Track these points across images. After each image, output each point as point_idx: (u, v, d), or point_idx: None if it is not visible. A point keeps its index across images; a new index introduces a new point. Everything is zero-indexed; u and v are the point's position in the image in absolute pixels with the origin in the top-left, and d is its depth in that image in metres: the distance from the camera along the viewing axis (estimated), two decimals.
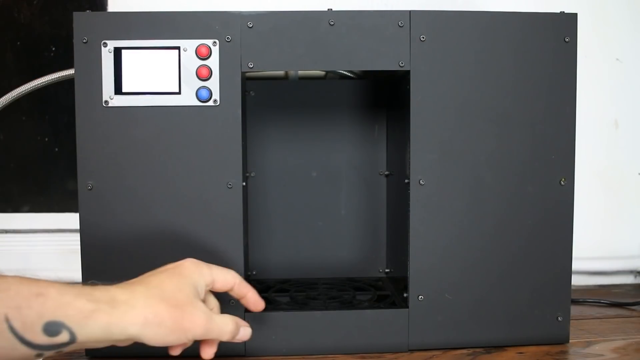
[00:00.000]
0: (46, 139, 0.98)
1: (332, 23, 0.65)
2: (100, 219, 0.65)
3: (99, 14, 0.66)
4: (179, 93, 0.64)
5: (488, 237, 0.67)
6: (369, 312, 0.68)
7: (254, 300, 0.59)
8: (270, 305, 0.71)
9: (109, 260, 0.64)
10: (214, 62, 0.64)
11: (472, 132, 0.66)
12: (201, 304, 0.51)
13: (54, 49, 0.97)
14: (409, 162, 0.66)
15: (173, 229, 0.65)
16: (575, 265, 0.70)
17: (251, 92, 0.84)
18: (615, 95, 1.00)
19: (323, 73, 0.90)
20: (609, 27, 0.99)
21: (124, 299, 0.47)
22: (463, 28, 0.66)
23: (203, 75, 0.64)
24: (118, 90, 0.64)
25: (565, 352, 0.67)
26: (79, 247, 0.65)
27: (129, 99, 0.64)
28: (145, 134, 0.65)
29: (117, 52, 0.64)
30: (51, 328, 0.43)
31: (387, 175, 0.87)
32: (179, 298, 0.49)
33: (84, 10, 0.65)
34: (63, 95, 0.97)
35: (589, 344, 0.70)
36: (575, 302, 0.83)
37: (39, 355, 0.44)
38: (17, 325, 0.42)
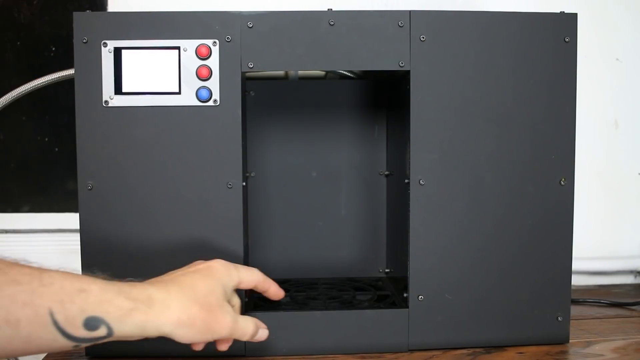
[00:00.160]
0: (46, 139, 0.98)
1: (332, 23, 0.65)
2: (100, 219, 0.65)
3: (99, 14, 0.66)
4: (179, 93, 0.64)
5: (488, 237, 0.67)
6: (369, 312, 0.68)
7: (274, 292, 0.62)
8: (271, 305, 0.71)
9: (109, 260, 0.64)
10: (214, 62, 0.64)
11: (472, 132, 0.66)
12: (228, 307, 0.54)
13: (54, 49, 0.97)
14: (409, 162, 0.66)
15: (173, 229, 0.65)
16: (575, 265, 0.70)
17: (251, 92, 0.84)
18: (615, 95, 1.00)
19: (323, 73, 0.90)
20: (609, 27, 0.99)
21: (160, 298, 0.49)
22: (463, 28, 0.66)
23: (203, 75, 0.64)
24: (118, 90, 0.64)
25: (565, 352, 0.67)
26: (79, 247, 0.65)
27: (129, 99, 0.64)
28: (145, 134, 0.65)
29: (117, 52, 0.64)
30: (91, 323, 0.45)
31: (387, 175, 0.87)
32: (210, 301, 0.52)
33: (84, 10, 0.65)
34: (63, 95, 0.96)
35: (589, 344, 0.70)
36: (575, 302, 0.83)
37: (75, 347, 0.46)
38: (60, 318, 0.44)
